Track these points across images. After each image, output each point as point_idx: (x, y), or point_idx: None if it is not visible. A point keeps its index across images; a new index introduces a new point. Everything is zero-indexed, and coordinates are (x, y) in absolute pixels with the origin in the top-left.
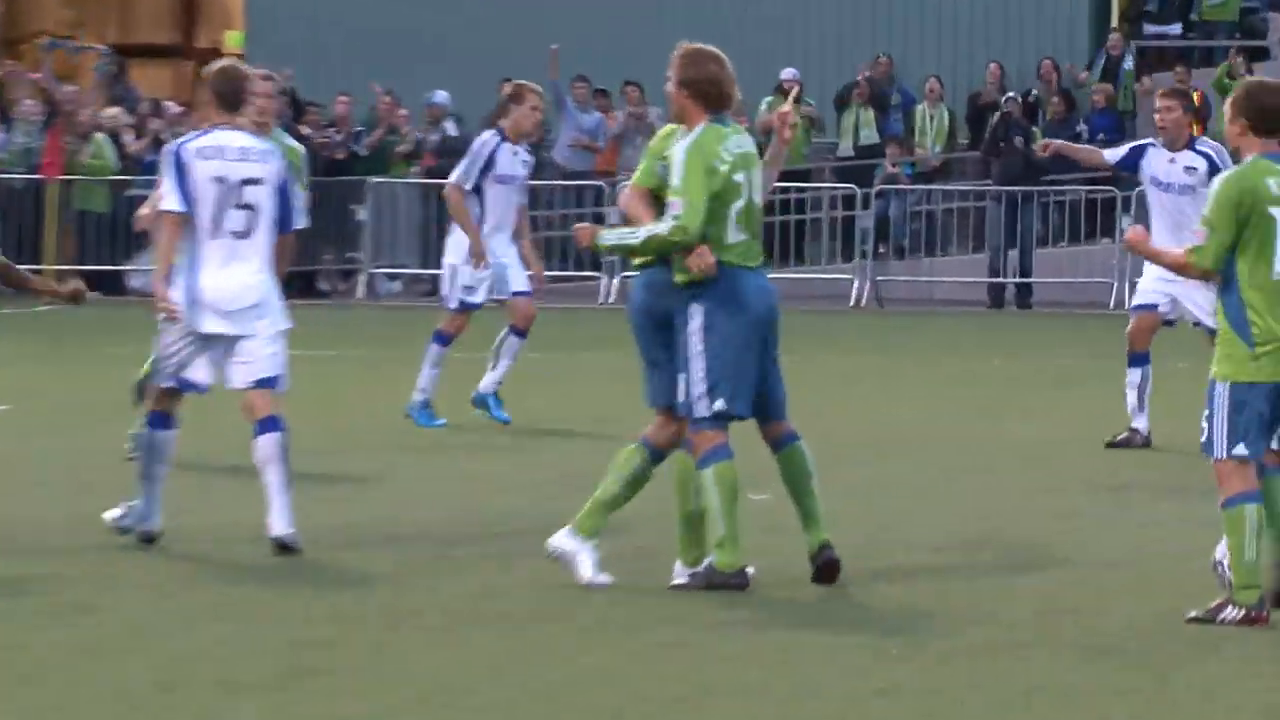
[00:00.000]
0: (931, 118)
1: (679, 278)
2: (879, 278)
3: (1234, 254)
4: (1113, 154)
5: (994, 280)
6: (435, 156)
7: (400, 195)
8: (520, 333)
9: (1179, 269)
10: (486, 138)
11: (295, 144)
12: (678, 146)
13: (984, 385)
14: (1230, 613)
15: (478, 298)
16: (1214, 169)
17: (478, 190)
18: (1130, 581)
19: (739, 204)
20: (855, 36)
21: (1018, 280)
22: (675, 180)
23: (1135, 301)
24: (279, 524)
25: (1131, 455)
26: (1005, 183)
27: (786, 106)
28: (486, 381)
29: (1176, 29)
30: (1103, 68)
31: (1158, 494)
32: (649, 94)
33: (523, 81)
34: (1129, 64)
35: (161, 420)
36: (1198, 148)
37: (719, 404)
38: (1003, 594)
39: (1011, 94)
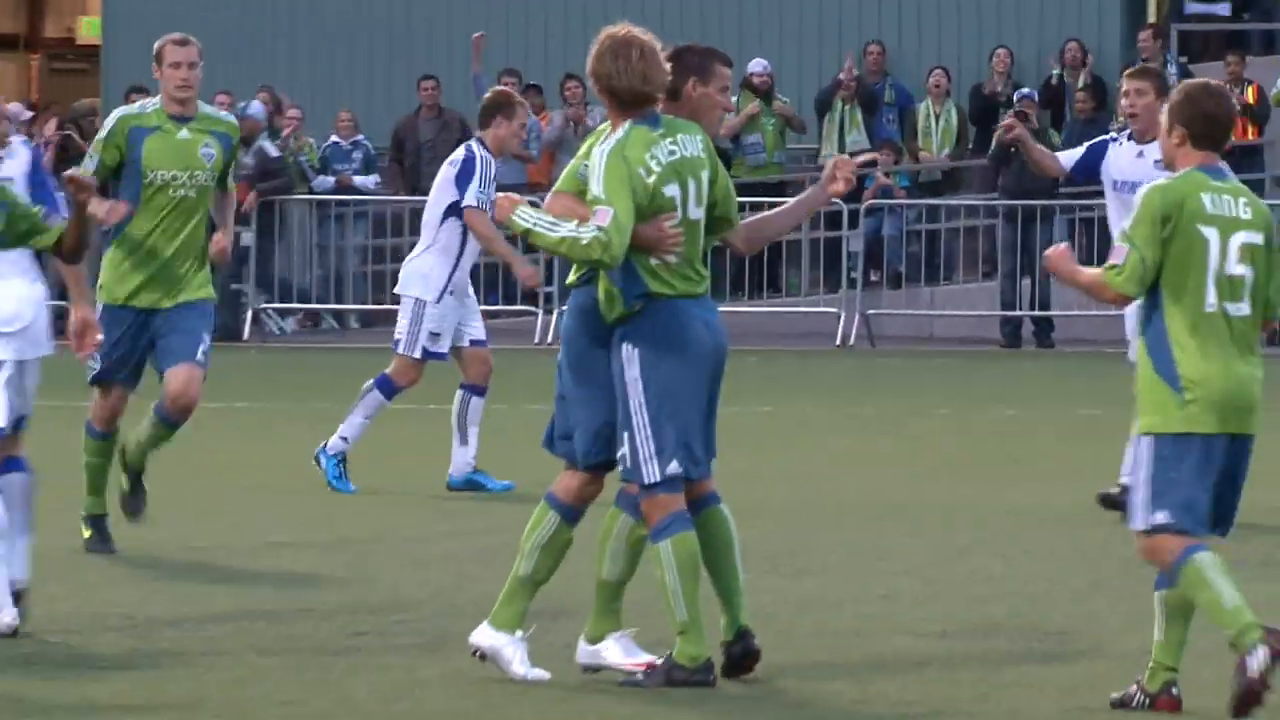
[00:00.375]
0: (937, 117)
1: (611, 313)
2: (870, 311)
3: (1159, 279)
4: (1068, 157)
5: (1007, 314)
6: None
7: (293, 215)
8: (480, 391)
9: (1095, 291)
10: (481, 153)
11: (232, 119)
12: (597, 150)
13: (996, 440)
14: (1256, 659)
15: (443, 347)
16: None
17: (459, 214)
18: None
19: (669, 221)
20: (839, 21)
21: (1035, 314)
22: (596, 188)
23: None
24: (16, 569)
25: None
26: (1017, 196)
27: (861, 159)
28: (460, 461)
29: (1225, 9)
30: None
31: None
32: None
33: (509, 90)
34: (1173, 78)
35: None
36: None
37: (672, 466)
38: (1022, 688)
39: (1026, 90)
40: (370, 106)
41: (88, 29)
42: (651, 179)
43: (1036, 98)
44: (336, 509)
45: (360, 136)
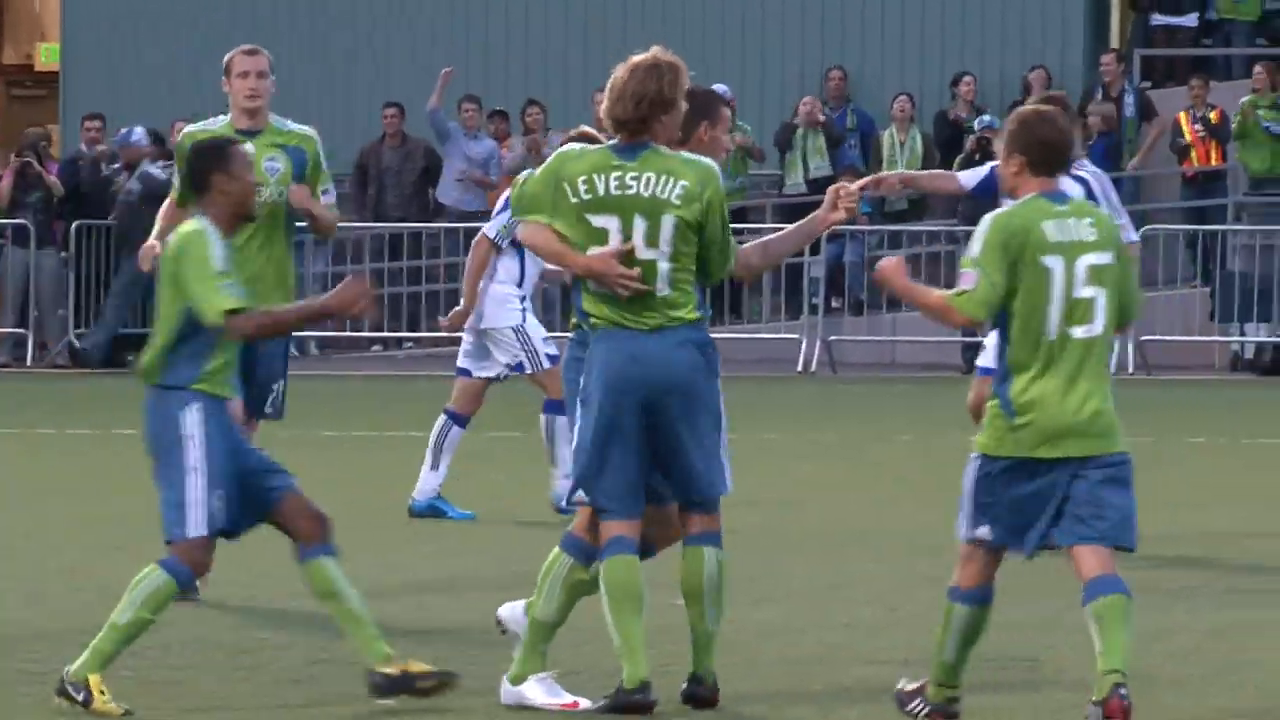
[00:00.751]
0: (902, 144)
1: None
2: (831, 338)
3: (1004, 307)
4: (969, 176)
5: (968, 340)
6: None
7: None
8: (463, 422)
9: (939, 314)
10: None
11: (307, 130)
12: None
13: (958, 466)
14: (918, 705)
15: (555, 349)
16: (1092, 199)
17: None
18: (1136, 701)
19: (618, 253)
20: (801, 47)
21: None
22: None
23: (981, 362)
24: None
25: (1125, 554)
26: (978, 222)
27: (860, 185)
28: (427, 486)
29: (1192, 20)
30: (1103, 98)
31: (1162, 597)
32: (553, 116)
33: (592, 130)
34: (1130, 108)
35: None
36: (1074, 172)
37: (578, 493)
38: (985, 717)
39: (988, 118)
40: (330, 133)
41: (46, 56)
42: (575, 200)
43: (998, 125)
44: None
45: None
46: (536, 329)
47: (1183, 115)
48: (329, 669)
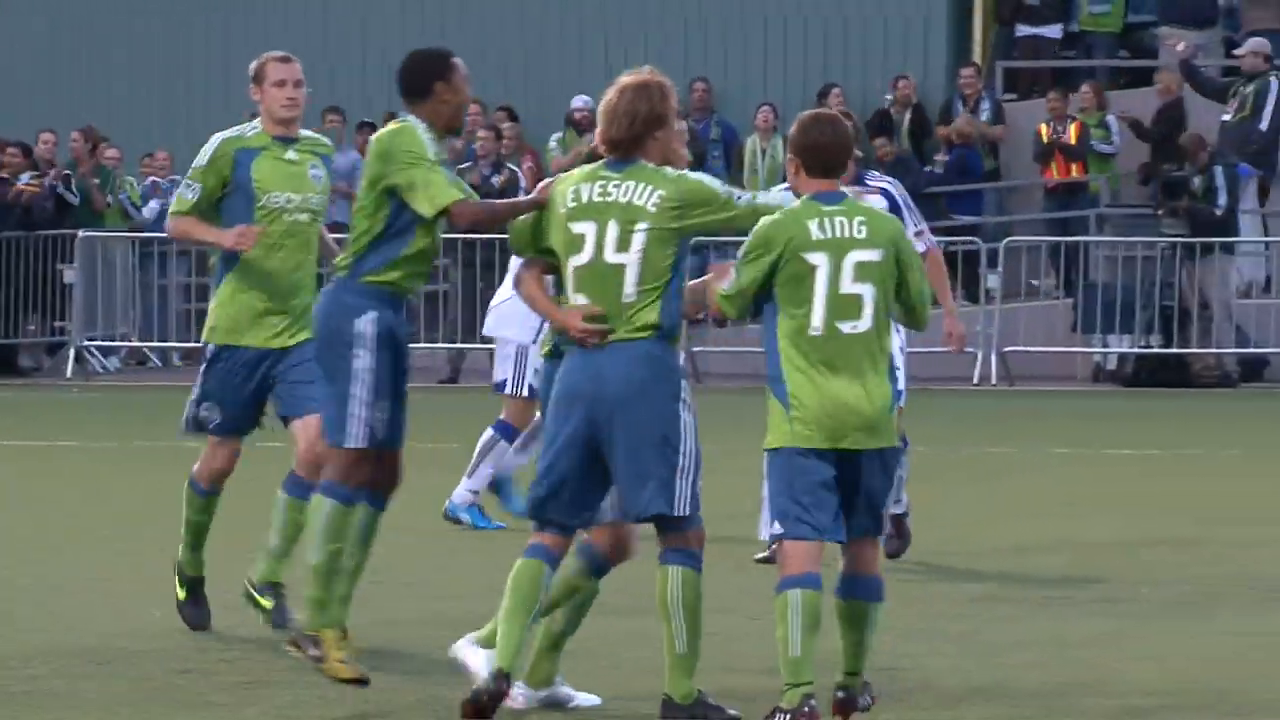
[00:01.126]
0: (764, 152)
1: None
2: (694, 349)
3: (771, 305)
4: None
5: None
6: None
7: (116, 252)
8: (511, 436)
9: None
10: None
11: (326, 140)
12: None
13: None
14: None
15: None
16: (895, 208)
17: None
18: (996, 713)
19: (578, 259)
20: (663, 57)
21: None
22: None
23: None
24: None
25: (989, 564)
26: None
27: None
28: (461, 490)
29: (1056, 31)
30: (963, 109)
31: (1022, 607)
32: None
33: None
34: (987, 114)
35: None
36: (869, 182)
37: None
38: None
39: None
40: (191, 146)
41: None
42: (562, 210)
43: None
44: (160, 549)
45: (178, 177)
46: (534, 359)
47: (1043, 127)
48: (193, 678)
